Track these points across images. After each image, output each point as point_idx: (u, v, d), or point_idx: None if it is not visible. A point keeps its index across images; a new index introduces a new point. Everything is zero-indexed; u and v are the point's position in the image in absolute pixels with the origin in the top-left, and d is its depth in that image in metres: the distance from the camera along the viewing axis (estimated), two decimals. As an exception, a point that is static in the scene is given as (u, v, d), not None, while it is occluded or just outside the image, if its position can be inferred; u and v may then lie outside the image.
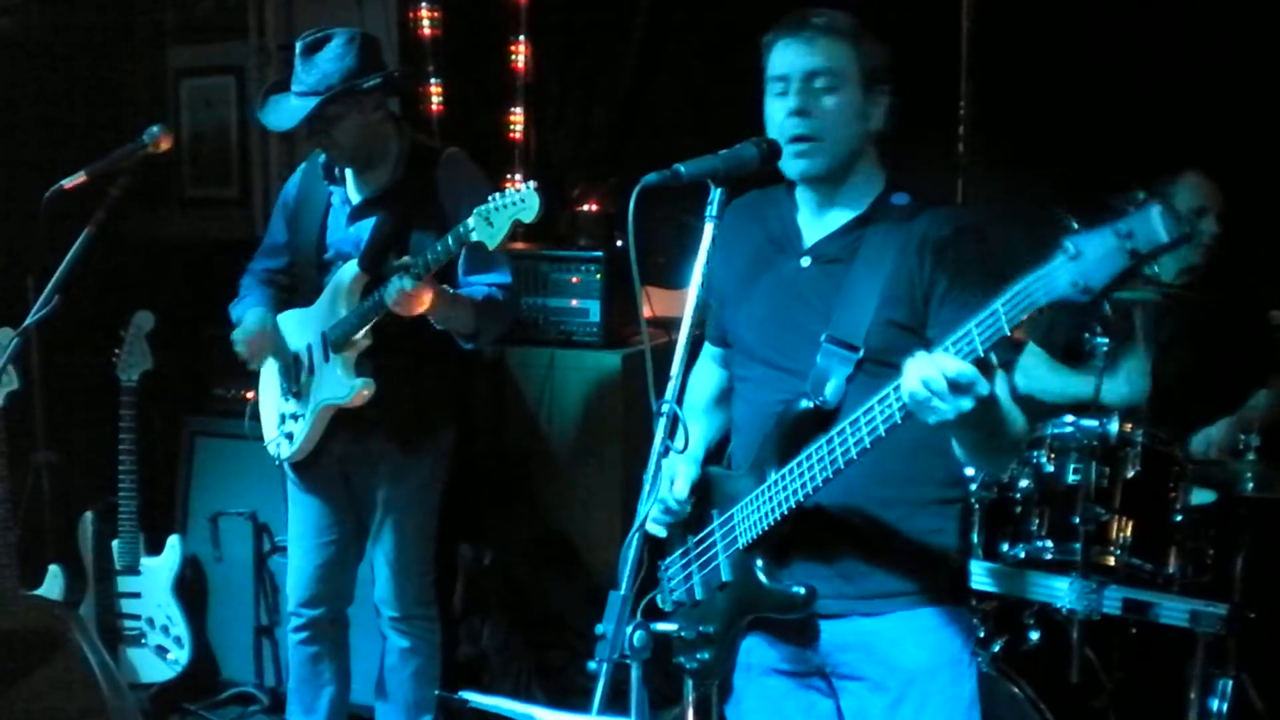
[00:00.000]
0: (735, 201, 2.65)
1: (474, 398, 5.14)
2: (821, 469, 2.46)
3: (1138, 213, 1.98)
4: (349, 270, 3.96)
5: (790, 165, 2.63)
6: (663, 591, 2.84)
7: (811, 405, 2.56)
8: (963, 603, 2.79)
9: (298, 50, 3.88)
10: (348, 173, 4.07)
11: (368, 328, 3.89)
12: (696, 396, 3.02)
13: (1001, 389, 2.45)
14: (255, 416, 4.24)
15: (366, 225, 4.02)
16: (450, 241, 3.61)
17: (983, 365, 2.18)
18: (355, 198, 4.06)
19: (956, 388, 2.16)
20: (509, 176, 5.71)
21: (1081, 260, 2.02)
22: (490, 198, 3.54)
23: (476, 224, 3.53)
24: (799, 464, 2.51)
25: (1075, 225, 2.06)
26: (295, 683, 4.35)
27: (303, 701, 4.33)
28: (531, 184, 3.51)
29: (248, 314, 4.14)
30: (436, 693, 4.28)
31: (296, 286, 4.20)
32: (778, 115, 2.62)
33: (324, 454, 4.11)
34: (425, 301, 3.71)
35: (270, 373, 4.20)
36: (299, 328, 4.09)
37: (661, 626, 2.64)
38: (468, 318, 3.87)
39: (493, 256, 3.87)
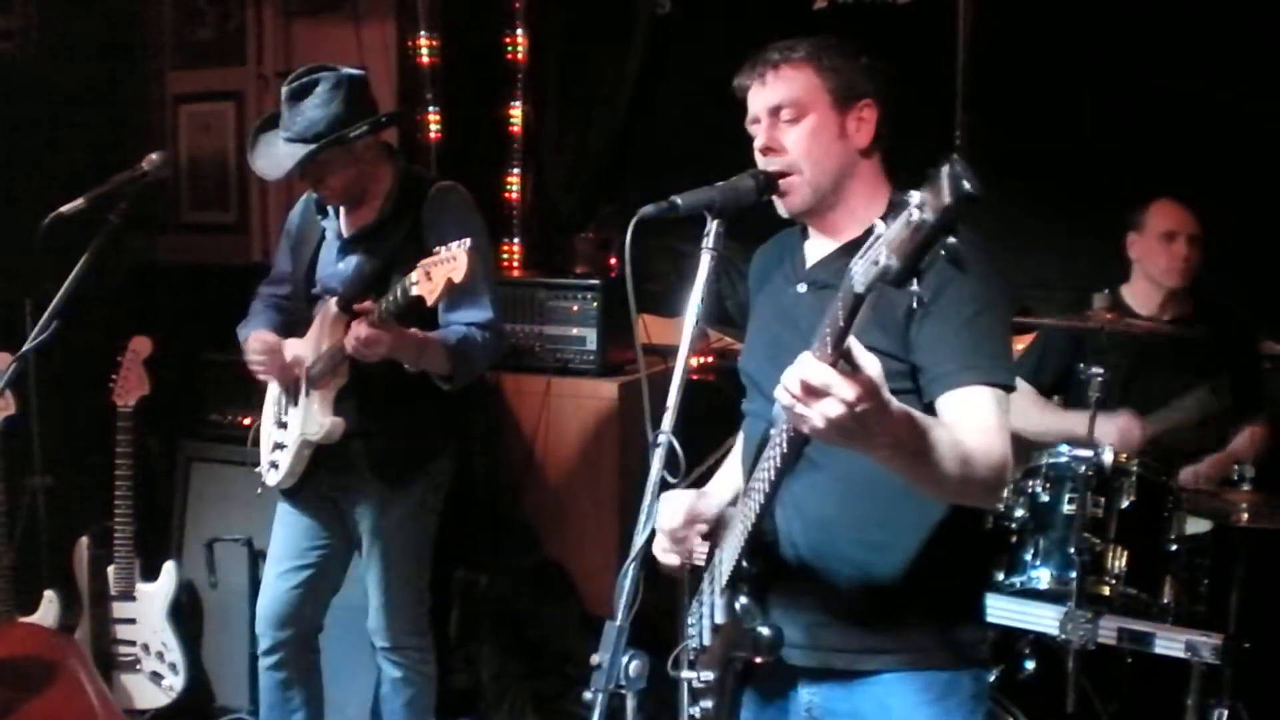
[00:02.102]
0: (762, 247, 2.69)
1: (470, 424, 5.14)
2: (758, 497, 2.37)
3: (930, 178, 1.77)
4: (329, 308, 3.96)
5: (777, 206, 2.60)
6: (690, 638, 2.77)
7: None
8: (968, 665, 2.61)
9: (284, 95, 3.86)
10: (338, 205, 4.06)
11: (341, 366, 3.88)
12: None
13: (980, 410, 2.38)
14: (257, 441, 4.25)
15: (353, 260, 4.02)
16: (398, 293, 3.55)
17: (851, 368, 1.97)
18: (345, 231, 4.06)
19: (810, 390, 1.98)
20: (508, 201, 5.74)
21: (886, 238, 1.82)
22: (435, 249, 3.47)
23: (419, 277, 3.47)
24: (749, 489, 2.44)
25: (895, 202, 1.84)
26: (265, 709, 4.34)
27: None
28: (466, 242, 3.41)
29: (251, 331, 4.13)
30: None
31: (296, 314, 4.21)
32: (756, 156, 2.60)
33: (309, 484, 4.11)
34: (383, 348, 3.66)
35: (271, 402, 4.21)
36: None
37: (684, 674, 2.60)
38: (440, 360, 3.81)
39: (474, 291, 3.81)
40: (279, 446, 4.11)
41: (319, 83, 3.83)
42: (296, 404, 4.04)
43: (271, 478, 4.13)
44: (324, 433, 3.94)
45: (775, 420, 2.30)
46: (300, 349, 4.06)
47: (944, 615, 2.57)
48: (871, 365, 1.99)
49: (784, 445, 2.22)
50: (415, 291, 3.48)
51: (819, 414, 1.98)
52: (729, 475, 2.95)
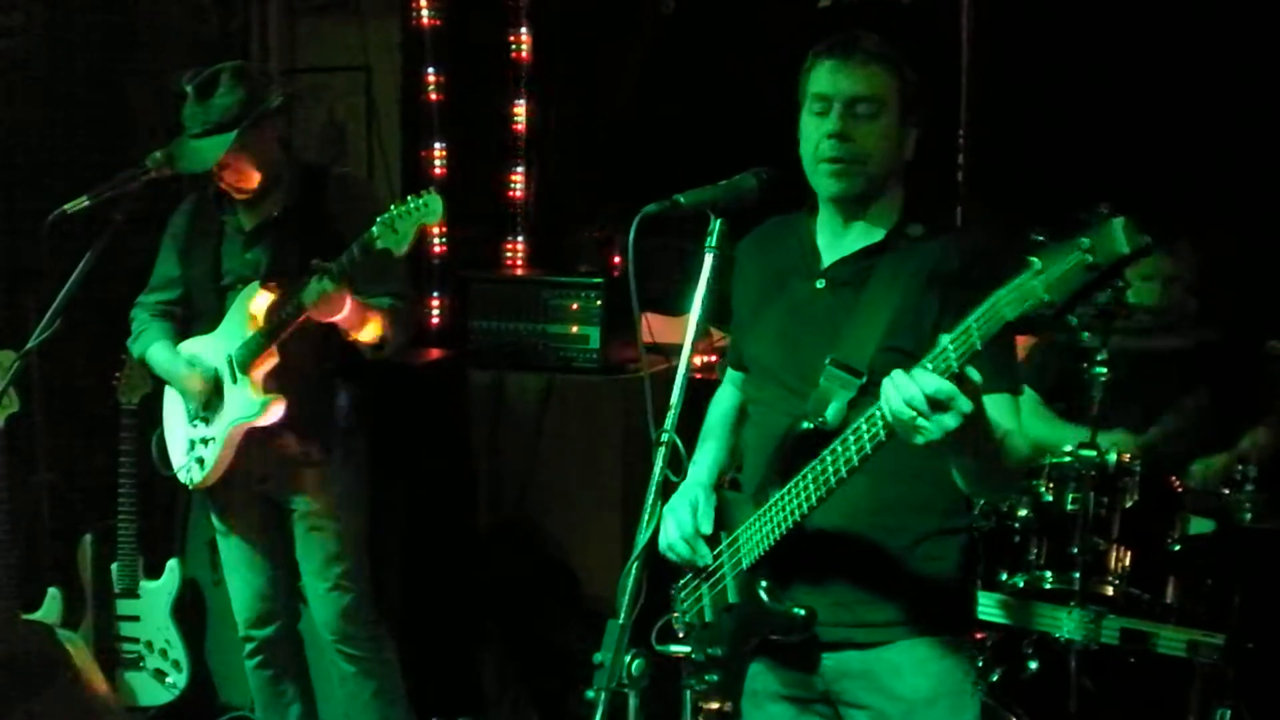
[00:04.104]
0: (757, 229, 2.71)
1: (472, 423, 5.14)
2: (816, 488, 2.46)
3: (1099, 225, 1.99)
4: (251, 291, 4.02)
5: (825, 184, 2.64)
6: (676, 614, 2.84)
7: (812, 426, 2.55)
8: (965, 632, 2.80)
9: (190, 93, 3.96)
10: (239, 200, 4.13)
11: (274, 346, 3.96)
12: (715, 419, 3.03)
13: (1001, 414, 2.47)
14: (162, 447, 4.29)
15: (264, 249, 4.09)
16: (355, 251, 3.70)
17: (962, 382, 2.16)
18: (248, 224, 4.13)
19: (937, 405, 2.15)
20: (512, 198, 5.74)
21: (1046, 275, 2.03)
22: (391, 206, 3.65)
23: (381, 232, 3.63)
24: (796, 484, 2.51)
25: (1043, 239, 2.06)
26: (260, 708, 4.41)
27: None
28: (432, 189, 3.66)
29: (151, 348, 4.21)
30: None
31: (192, 316, 4.25)
32: (814, 134, 2.62)
33: (238, 475, 4.16)
34: (344, 305, 3.80)
35: (174, 402, 4.25)
36: (203, 353, 4.14)
37: (675, 649, 2.68)
38: (375, 327, 3.95)
39: (391, 267, 3.94)
40: (203, 442, 4.14)
41: (220, 74, 3.96)
42: (220, 396, 4.08)
43: (197, 474, 4.16)
44: (264, 410, 4.01)
45: (812, 416, 2.53)
46: (218, 340, 4.11)
47: (947, 589, 2.69)
48: (979, 376, 2.18)
49: (866, 448, 2.34)
50: (380, 245, 3.64)
51: (939, 426, 2.16)
52: (711, 454, 2.97)
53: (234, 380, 4.04)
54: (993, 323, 2.11)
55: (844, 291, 2.66)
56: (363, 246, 3.68)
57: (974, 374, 2.17)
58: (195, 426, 4.16)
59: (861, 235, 2.69)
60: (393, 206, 3.66)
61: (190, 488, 4.25)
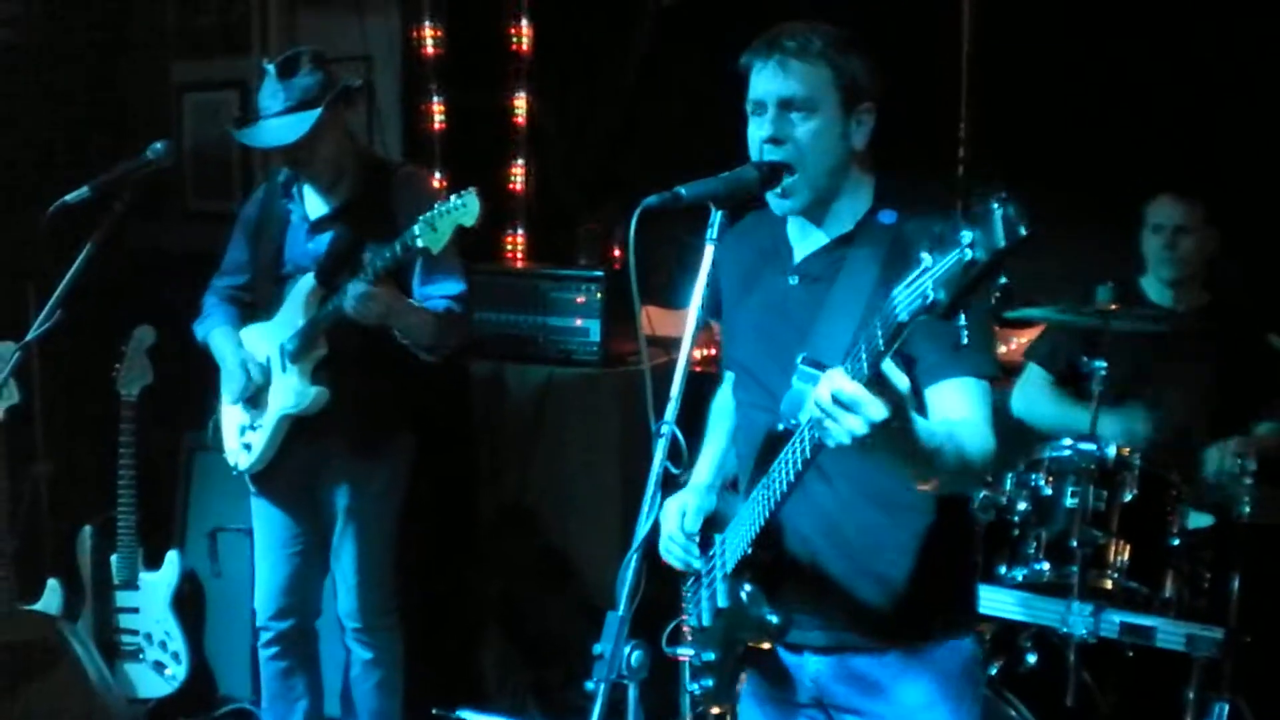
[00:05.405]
0: (736, 224, 2.63)
1: (472, 415, 5.14)
2: (773, 491, 2.44)
3: (983, 217, 1.85)
4: (306, 283, 4.09)
5: (773, 204, 2.60)
6: (686, 615, 2.83)
7: (783, 428, 2.46)
8: (965, 634, 2.71)
9: (272, 71, 4.02)
10: (305, 190, 4.19)
11: (323, 337, 4.01)
12: (718, 427, 3.01)
13: (961, 401, 2.43)
14: (218, 427, 4.33)
15: (324, 239, 4.13)
16: (398, 248, 3.75)
17: (881, 386, 2.07)
18: (313, 214, 4.18)
19: (844, 409, 2.07)
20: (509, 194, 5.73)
21: (934, 272, 1.92)
22: (434, 205, 3.71)
23: (421, 230, 3.69)
24: (761, 488, 2.49)
25: (939, 233, 1.93)
26: (268, 699, 4.43)
27: (276, 717, 4.40)
28: (472, 190, 3.72)
29: (214, 331, 4.28)
30: (427, 704, 4.33)
31: (257, 301, 4.30)
32: (754, 140, 2.59)
33: (283, 464, 4.20)
34: (380, 305, 3.84)
35: (230, 385, 4.27)
36: (259, 341, 4.21)
37: (681, 651, 2.68)
38: (428, 329, 4.00)
39: (448, 267, 4.02)
40: (252, 428, 4.19)
41: (301, 54, 4.04)
42: (269, 383, 4.13)
43: (244, 460, 4.21)
44: (308, 403, 4.06)
45: (785, 418, 2.41)
46: (273, 328, 4.16)
47: (942, 590, 2.66)
48: (902, 384, 2.10)
49: (806, 450, 2.31)
50: (420, 244, 3.69)
51: (846, 429, 2.09)
52: (712, 454, 2.98)
53: (284, 370, 4.10)
54: (890, 324, 2.01)
55: (816, 287, 2.61)
56: (404, 244, 3.74)
57: (896, 379, 2.09)
58: (246, 412, 4.22)
59: (831, 228, 2.64)
60: (436, 205, 3.71)
61: (235, 472, 4.29)
